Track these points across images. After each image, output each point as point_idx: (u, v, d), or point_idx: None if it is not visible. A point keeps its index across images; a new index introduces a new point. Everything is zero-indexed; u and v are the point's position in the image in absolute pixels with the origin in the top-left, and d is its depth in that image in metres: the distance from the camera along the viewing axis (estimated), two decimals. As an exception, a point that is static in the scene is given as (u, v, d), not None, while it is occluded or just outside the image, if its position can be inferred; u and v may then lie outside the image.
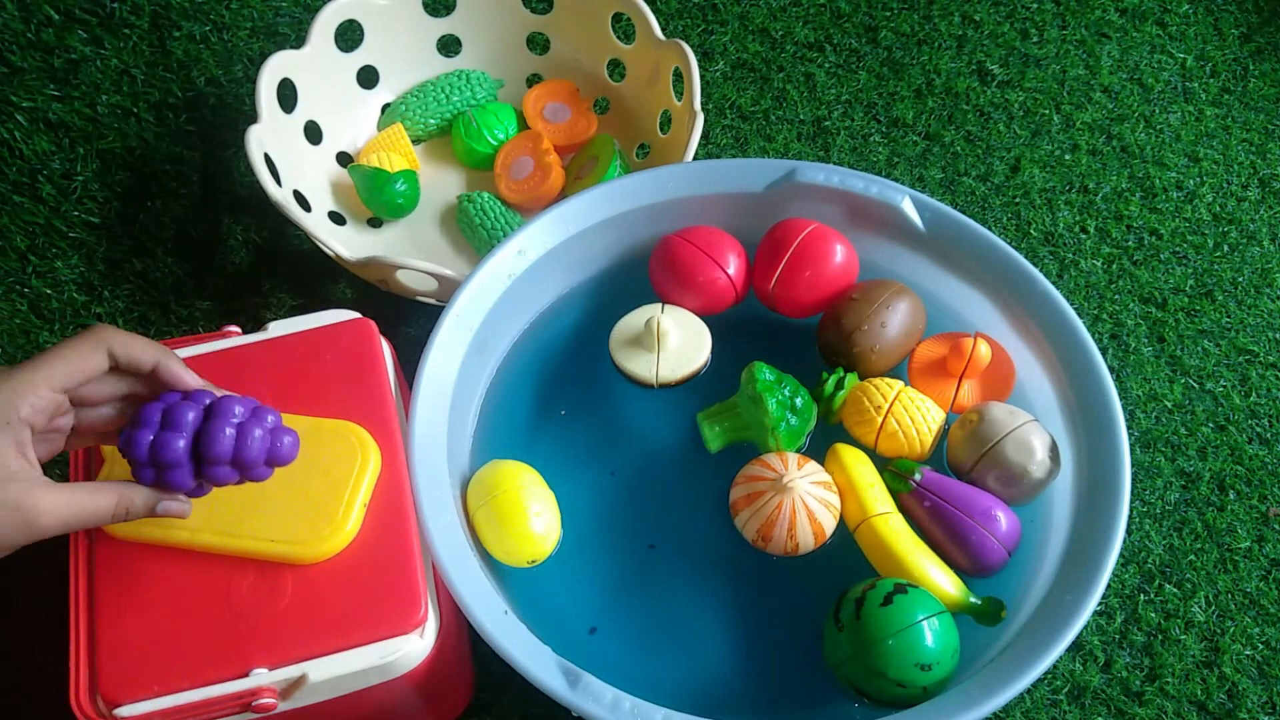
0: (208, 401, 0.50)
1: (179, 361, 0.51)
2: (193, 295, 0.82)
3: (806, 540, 0.60)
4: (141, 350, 0.49)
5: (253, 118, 0.77)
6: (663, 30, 0.84)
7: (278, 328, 0.63)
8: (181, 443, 0.48)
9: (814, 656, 0.60)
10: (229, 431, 0.49)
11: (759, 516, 0.60)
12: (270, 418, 0.51)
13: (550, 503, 0.62)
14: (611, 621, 0.62)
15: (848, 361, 0.66)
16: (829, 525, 0.61)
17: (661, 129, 0.88)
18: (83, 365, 0.48)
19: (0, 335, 0.79)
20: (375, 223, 0.87)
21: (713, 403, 0.66)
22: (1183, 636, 0.73)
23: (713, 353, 0.68)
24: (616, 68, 0.92)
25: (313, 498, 0.55)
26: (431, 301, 0.80)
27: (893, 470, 0.63)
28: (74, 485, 0.47)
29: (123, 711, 0.51)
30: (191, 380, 0.51)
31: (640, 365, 0.66)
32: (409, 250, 0.86)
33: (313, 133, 0.85)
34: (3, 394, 0.45)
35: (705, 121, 0.85)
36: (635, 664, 0.60)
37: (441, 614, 0.57)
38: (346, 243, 0.82)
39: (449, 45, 0.92)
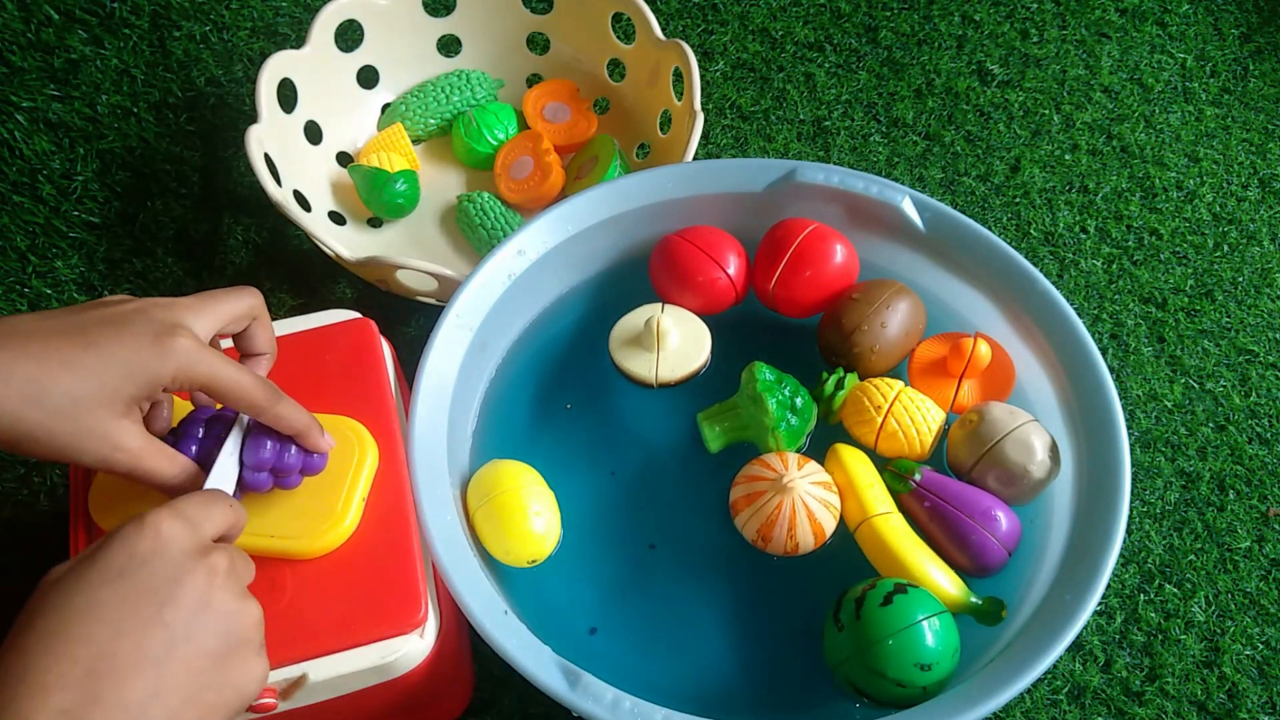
0: (231, 416, 0.53)
1: (268, 368, 0.55)
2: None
3: (806, 540, 0.60)
4: (266, 339, 0.54)
5: (253, 118, 0.77)
6: (663, 30, 0.84)
7: (278, 328, 0.63)
8: (229, 445, 0.51)
9: (814, 656, 0.60)
10: (270, 442, 0.52)
11: (759, 516, 0.60)
12: None
13: (550, 503, 0.62)
14: (611, 621, 0.62)
15: (848, 361, 0.66)
16: (829, 525, 0.61)
17: (661, 129, 0.88)
18: (233, 316, 0.51)
19: (0, 335, 0.79)
20: (375, 223, 0.87)
21: (713, 403, 0.66)
22: (1183, 636, 0.73)
23: (713, 353, 0.68)
24: (616, 68, 0.92)
25: (311, 493, 0.55)
26: (431, 301, 0.80)
27: (893, 470, 0.63)
28: (155, 441, 0.48)
29: (123, 711, 0.51)
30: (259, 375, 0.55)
31: (640, 365, 0.67)
32: (409, 250, 0.86)
33: (313, 133, 0.85)
34: (190, 361, 0.47)
35: (705, 121, 0.85)
36: (635, 664, 0.60)
37: (441, 614, 0.57)
38: (346, 243, 0.82)
39: (449, 45, 0.92)
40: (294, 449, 0.53)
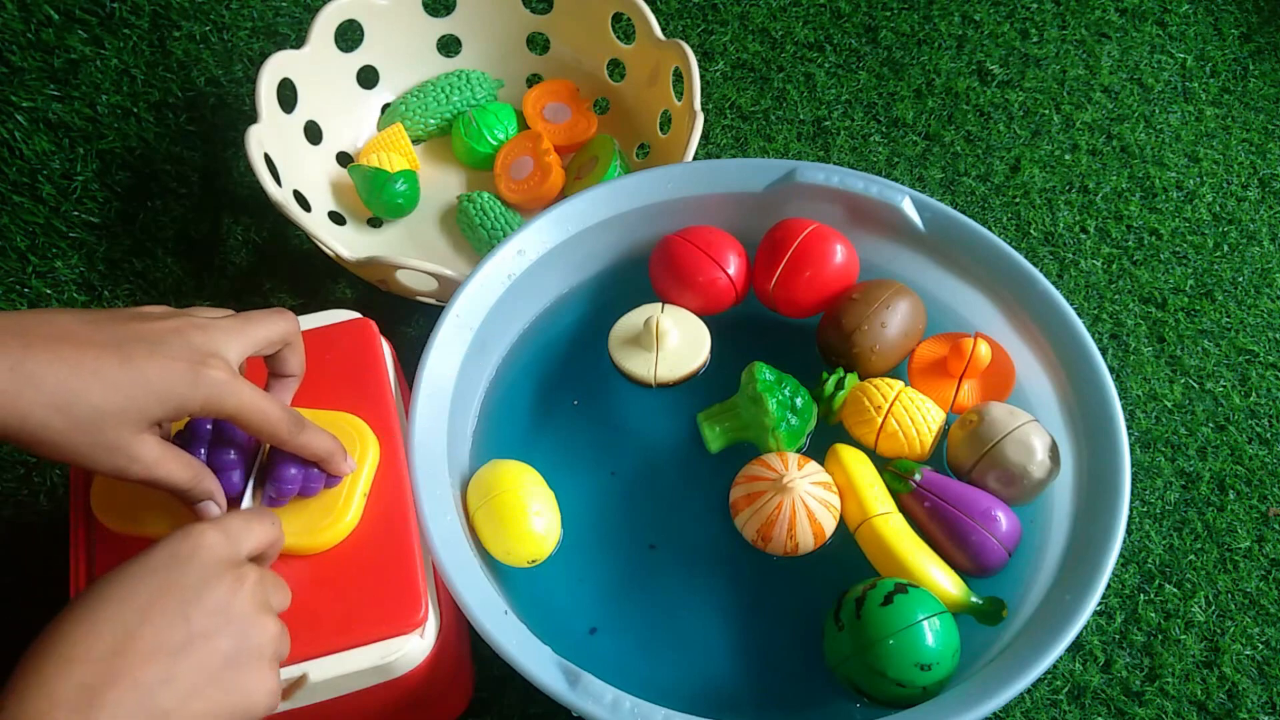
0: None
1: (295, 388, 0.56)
2: (193, 295, 0.82)
3: (806, 540, 0.60)
4: (297, 362, 0.55)
5: (253, 118, 0.77)
6: (663, 30, 0.84)
7: (278, 328, 0.63)
8: (232, 454, 0.52)
9: (814, 656, 0.60)
10: (294, 470, 0.53)
11: (759, 516, 0.60)
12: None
13: (550, 503, 0.62)
14: (611, 621, 0.62)
15: (848, 361, 0.66)
16: (829, 525, 0.61)
17: (661, 129, 0.88)
18: (268, 341, 0.52)
19: (0, 335, 0.79)
20: (375, 223, 0.87)
21: (713, 403, 0.66)
22: (1183, 636, 0.73)
23: (713, 353, 0.68)
24: (616, 68, 0.92)
25: None
26: (431, 301, 0.80)
27: (893, 470, 0.63)
28: (170, 447, 0.49)
29: (123, 711, 0.51)
30: (285, 399, 0.56)
31: (639, 365, 0.67)
32: (409, 250, 0.86)
33: (313, 133, 0.85)
34: (221, 394, 0.47)
35: (705, 121, 0.85)
36: (635, 664, 0.60)
37: (441, 614, 0.57)
38: (346, 243, 0.82)
39: (449, 45, 0.92)
40: (317, 472, 0.53)
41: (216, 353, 0.48)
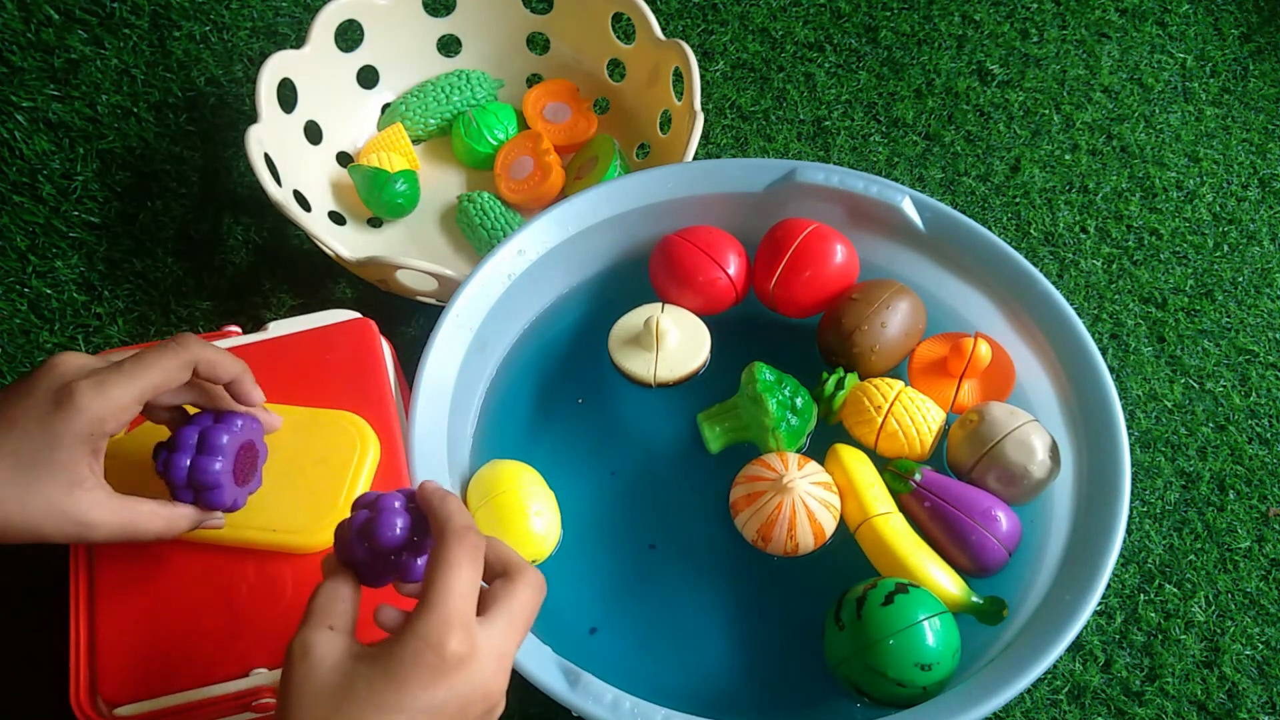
0: (240, 423, 0.51)
1: (253, 379, 0.52)
2: (193, 295, 0.82)
3: (806, 540, 0.60)
4: (225, 368, 0.50)
5: (253, 118, 0.77)
6: (663, 30, 0.84)
7: (278, 328, 0.63)
8: (218, 465, 0.50)
9: (814, 656, 0.60)
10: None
11: (759, 517, 0.60)
12: None
13: (550, 503, 0.62)
14: (611, 621, 0.62)
15: (848, 361, 0.66)
16: (829, 525, 0.61)
17: (661, 129, 0.88)
18: (168, 379, 0.48)
19: (0, 335, 0.79)
20: (375, 223, 0.87)
21: (713, 403, 0.66)
22: (1183, 636, 0.73)
23: (713, 353, 0.68)
24: (616, 68, 0.92)
25: (312, 487, 0.56)
26: (431, 301, 0.80)
27: (893, 470, 0.63)
28: (129, 502, 0.47)
29: (123, 711, 0.51)
30: (258, 398, 0.52)
31: (639, 365, 0.67)
32: (409, 250, 0.86)
33: (313, 133, 0.85)
34: (97, 405, 0.45)
35: (705, 121, 0.85)
36: (635, 664, 0.60)
37: (441, 614, 0.56)
38: (346, 243, 0.82)
39: (449, 45, 0.92)
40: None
41: (82, 369, 0.46)
